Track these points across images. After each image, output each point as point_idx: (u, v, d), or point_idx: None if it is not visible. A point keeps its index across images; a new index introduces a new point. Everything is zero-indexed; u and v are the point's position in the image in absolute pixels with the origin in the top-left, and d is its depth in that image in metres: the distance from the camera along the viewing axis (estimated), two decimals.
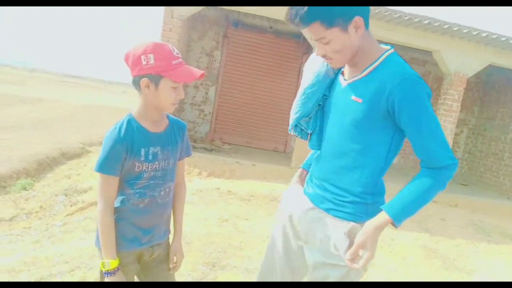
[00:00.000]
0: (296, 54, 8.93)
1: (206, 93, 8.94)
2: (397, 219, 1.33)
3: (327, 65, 1.54)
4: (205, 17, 8.62)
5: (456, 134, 9.08)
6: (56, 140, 7.30)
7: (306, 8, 1.30)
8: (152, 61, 1.39)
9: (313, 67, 1.59)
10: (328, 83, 1.56)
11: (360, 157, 1.43)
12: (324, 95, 1.57)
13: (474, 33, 6.33)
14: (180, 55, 1.48)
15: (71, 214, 4.13)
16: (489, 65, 7.16)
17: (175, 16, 6.15)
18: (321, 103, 1.59)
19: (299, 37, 8.22)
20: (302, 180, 1.81)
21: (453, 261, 4.29)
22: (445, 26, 6.25)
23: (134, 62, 1.41)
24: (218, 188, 5.37)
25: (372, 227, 1.34)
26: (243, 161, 6.82)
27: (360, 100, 1.38)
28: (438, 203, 6.47)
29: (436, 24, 6.20)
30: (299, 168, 1.88)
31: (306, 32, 1.35)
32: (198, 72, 1.47)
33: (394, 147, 1.43)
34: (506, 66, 7.28)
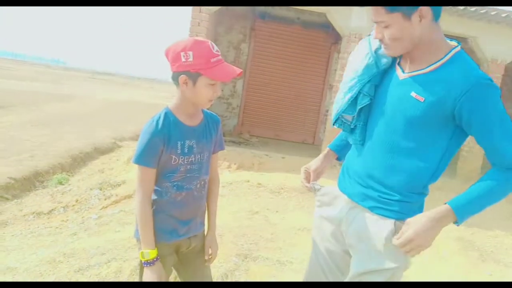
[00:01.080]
0: (325, 45, 8.80)
1: (234, 86, 8.96)
2: (460, 215, 1.25)
3: (373, 58, 1.43)
4: (232, 11, 8.60)
5: None
6: (88, 135, 7.52)
7: None
8: (191, 59, 1.40)
9: (355, 61, 1.49)
10: (373, 75, 1.43)
11: (412, 157, 1.34)
12: (368, 92, 1.44)
13: None
14: (219, 53, 1.48)
15: (106, 207, 4.24)
16: None
17: (203, 11, 6.18)
18: (367, 100, 1.45)
19: (328, 27, 8.09)
20: (327, 160, 1.74)
21: (490, 253, 4.15)
22: (482, 11, 5.99)
23: (174, 58, 1.43)
24: (248, 181, 5.38)
25: (426, 218, 1.26)
26: (271, 154, 6.81)
27: (422, 99, 1.28)
28: None
29: (472, 9, 5.96)
30: (327, 147, 1.78)
31: (369, 10, 1.32)
32: (236, 70, 1.47)
33: (450, 150, 1.35)
34: None
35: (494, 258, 4.05)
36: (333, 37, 8.55)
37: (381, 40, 1.34)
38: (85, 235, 3.51)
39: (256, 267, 3.10)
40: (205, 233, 1.76)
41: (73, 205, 4.31)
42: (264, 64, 8.85)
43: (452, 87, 1.24)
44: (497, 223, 5.23)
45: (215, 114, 1.73)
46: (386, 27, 1.28)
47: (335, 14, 6.35)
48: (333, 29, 7.14)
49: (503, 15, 6.01)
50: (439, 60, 1.30)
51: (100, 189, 4.78)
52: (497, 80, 6.73)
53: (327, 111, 8.32)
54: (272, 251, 3.44)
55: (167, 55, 1.46)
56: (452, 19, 6.36)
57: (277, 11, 8.54)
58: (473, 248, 4.22)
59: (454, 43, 1.35)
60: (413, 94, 1.31)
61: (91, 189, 4.81)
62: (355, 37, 6.40)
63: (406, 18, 1.25)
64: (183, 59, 1.40)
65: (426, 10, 1.24)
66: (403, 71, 1.38)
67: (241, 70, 1.51)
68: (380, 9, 1.26)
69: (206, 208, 1.75)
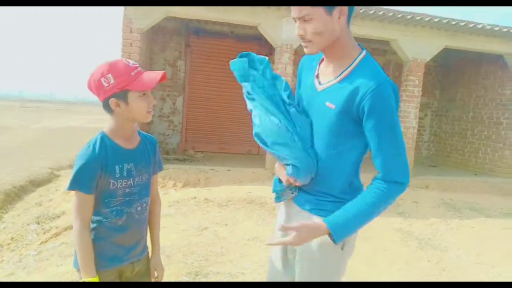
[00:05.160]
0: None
1: (174, 103, 8.90)
2: (337, 237, 1.34)
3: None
4: (165, 29, 8.58)
5: (420, 118, 9.39)
6: (22, 168, 7.08)
7: None
8: (112, 81, 1.41)
9: None
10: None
11: (334, 163, 1.44)
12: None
13: (427, 19, 6.59)
14: (136, 65, 1.50)
15: (45, 241, 4.02)
16: (445, 48, 7.46)
17: (134, 31, 6.10)
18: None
19: (261, 39, 8.31)
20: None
21: (428, 241, 4.44)
22: (399, 15, 6.48)
23: (97, 87, 1.44)
24: (195, 197, 5.35)
25: (311, 231, 1.35)
26: (217, 168, 6.83)
27: (333, 107, 1.37)
28: (410, 187, 6.60)
29: (390, 14, 6.42)
30: None
31: (293, 7, 1.37)
32: (159, 73, 1.49)
33: (365, 151, 1.46)
34: (460, 48, 7.61)
35: (432, 245, 4.34)
36: (266, 49, 8.78)
37: (302, 37, 1.39)
38: (24, 273, 3.30)
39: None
40: (149, 255, 1.75)
41: (8, 244, 4.04)
42: (202, 79, 8.89)
43: (356, 91, 1.33)
44: (431, 212, 5.62)
45: (151, 135, 1.75)
46: (309, 20, 1.34)
47: (265, 26, 6.55)
48: (266, 41, 7.35)
49: (418, 18, 6.53)
50: (347, 68, 1.39)
51: (38, 223, 4.52)
52: (420, 78, 7.28)
53: None
54: (223, 265, 3.44)
55: (90, 88, 1.47)
56: (374, 24, 6.81)
57: (211, 26, 8.64)
58: (412, 237, 4.50)
59: (360, 48, 1.44)
60: (327, 103, 1.40)
61: (28, 224, 4.53)
62: (287, 48, 6.63)
63: (328, 13, 1.33)
64: (105, 84, 1.42)
65: (344, 8, 1.34)
66: (320, 83, 1.48)
67: (164, 71, 1.52)
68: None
69: (149, 231, 1.74)
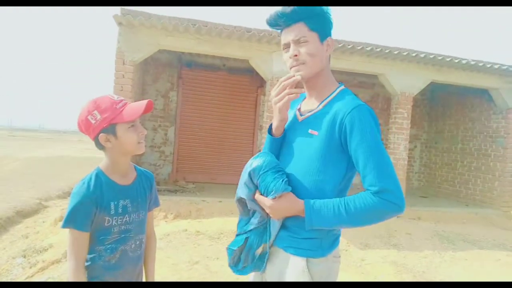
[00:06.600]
0: (251, 88, 9.15)
1: (165, 134, 8.90)
2: (309, 223, 1.34)
3: None
4: (158, 60, 8.70)
5: (410, 150, 9.50)
6: (9, 198, 6.93)
7: (294, 7, 1.39)
8: (98, 116, 1.43)
9: None
10: None
11: (313, 192, 1.40)
12: None
13: (413, 54, 6.79)
14: (121, 98, 1.51)
15: (31, 276, 3.88)
16: (431, 82, 7.65)
17: (127, 63, 6.17)
18: None
19: (252, 72, 8.46)
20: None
21: (422, 274, 4.40)
22: (386, 51, 6.67)
23: (85, 126, 1.45)
24: (186, 230, 5.27)
25: (289, 205, 1.37)
26: (209, 199, 6.76)
27: (316, 133, 1.40)
28: (402, 218, 6.66)
29: (378, 49, 6.61)
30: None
31: (287, 32, 1.45)
32: (144, 102, 1.50)
33: (346, 181, 1.44)
34: (446, 82, 7.81)
35: (426, 278, 4.29)
36: (258, 81, 8.93)
37: (296, 59, 1.43)
38: None
39: None
40: None
41: None
42: (194, 110, 8.95)
43: (336, 115, 1.37)
44: (425, 244, 5.59)
45: (148, 170, 1.74)
46: (304, 43, 1.42)
47: (257, 60, 6.68)
48: (257, 73, 7.48)
49: (404, 53, 6.73)
50: (327, 98, 1.47)
51: (24, 257, 4.39)
52: (408, 111, 7.42)
53: (259, 151, 8.51)
54: None
55: (80, 129, 1.48)
56: (363, 58, 6.99)
57: (203, 59, 8.79)
58: (406, 270, 4.45)
59: (338, 83, 1.52)
60: (309, 131, 1.44)
61: (13, 257, 4.40)
62: (277, 81, 6.72)
63: (320, 40, 1.43)
64: (92, 121, 1.43)
65: (331, 41, 1.46)
66: (301, 114, 1.53)
67: (149, 100, 1.53)
68: (303, 27, 1.41)
69: (143, 269, 1.70)
